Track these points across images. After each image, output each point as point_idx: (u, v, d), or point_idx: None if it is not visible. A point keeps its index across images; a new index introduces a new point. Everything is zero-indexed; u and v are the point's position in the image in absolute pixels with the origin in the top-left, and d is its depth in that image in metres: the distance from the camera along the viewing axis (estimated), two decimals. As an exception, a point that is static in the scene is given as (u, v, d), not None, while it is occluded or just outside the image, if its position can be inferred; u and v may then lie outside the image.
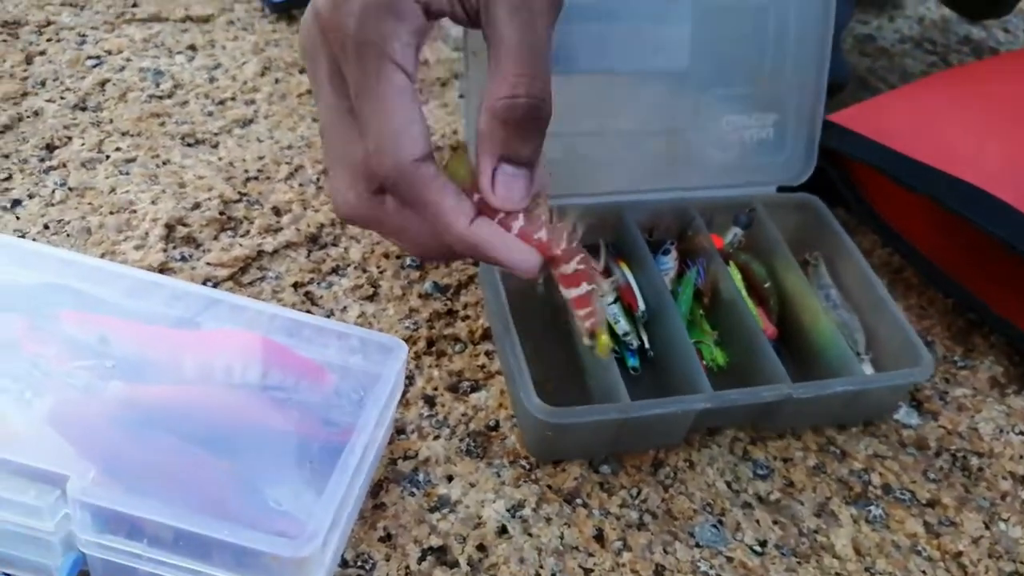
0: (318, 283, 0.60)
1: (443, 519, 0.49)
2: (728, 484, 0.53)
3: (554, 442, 0.51)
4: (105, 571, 0.40)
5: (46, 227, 0.60)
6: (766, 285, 0.60)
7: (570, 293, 0.42)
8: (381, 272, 0.61)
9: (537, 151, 0.39)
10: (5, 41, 0.75)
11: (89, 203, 0.62)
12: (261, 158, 0.68)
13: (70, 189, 0.63)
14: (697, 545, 0.50)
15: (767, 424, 0.55)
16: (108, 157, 0.66)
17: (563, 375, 0.56)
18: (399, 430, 0.52)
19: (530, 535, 0.49)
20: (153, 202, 0.63)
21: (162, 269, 0.58)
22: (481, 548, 0.48)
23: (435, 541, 0.47)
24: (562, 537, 0.49)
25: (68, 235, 0.60)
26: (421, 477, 0.50)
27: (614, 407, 0.49)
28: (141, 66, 0.75)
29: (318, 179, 0.67)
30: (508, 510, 0.49)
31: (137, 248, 0.59)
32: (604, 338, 0.44)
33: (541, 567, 0.47)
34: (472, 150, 0.41)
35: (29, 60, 0.74)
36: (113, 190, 0.63)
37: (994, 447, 0.57)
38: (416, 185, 0.37)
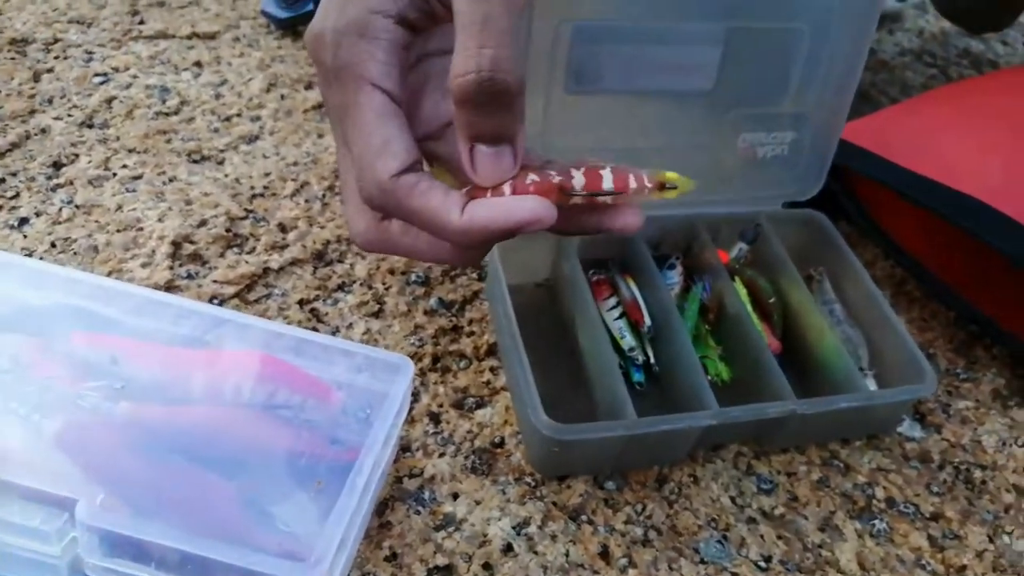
0: (324, 300, 0.60)
1: (449, 537, 0.49)
2: (732, 499, 0.53)
3: (560, 458, 0.51)
4: (112, 594, 0.41)
5: (53, 245, 0.60)
6: (771, 300, 0.60)
7: (605, 196, 0.37)
8: (387, 288, 0.61)
9: (507, 125, 0.36)
10: (13, 59, 0.75)
11: (96, 221, 0.63)
12: (267, 174, 0.68)
13: (77, 207, 0.64)
14: (702, 561, 0.50)
15: (771, 439, 0.55)
16: (115, 174, 0.67)
17: (569, 390, 0.56)
18: (404, 447, 0.53)
19: (536, 553, 0.49)
20: (160, 219, 0.63)
21: (169, 287, 0.59)
22: (487, 567, 0.48)
23: (441, 560, 0.48)
24: (567, 554, 0.49)
25: (75, 253, 0.60)
26: (427, 495, 0.51)
27: (621, 424, 0.49)
28: (147, 83, 0.76)
29: (323, 196, 0.67)
30: (513, 528, 0.50)
31: (144, 266, 0.60)
32: (670, 173, 0.37)
33: (547, 584, 0.47)
34: None
35: (37, 77, 0.74)
36: (120, 207, 0.64)
37: (997, 460, 0.57)
38: (398, 198, 0.36)
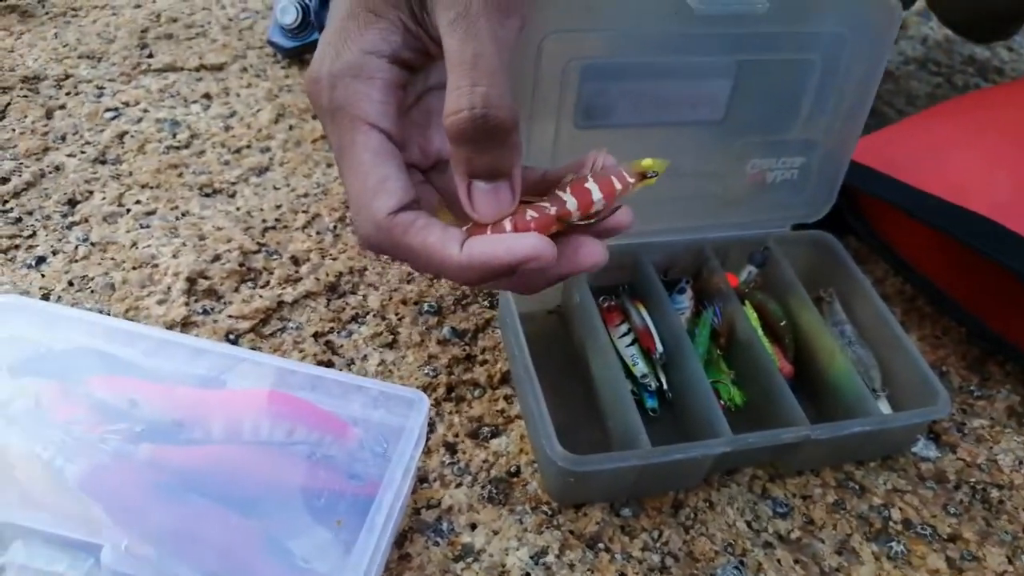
0: (338, 332, 0.60)
1: (468, 568, 0.49)
2: (748, 523, 0.53)
3: (576, 487, 0.51)
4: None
5: (71, 284, 0.61)
6: (782, 323, 0.61)
7: (598, 205, 0.37)
8: (400, 319, 0.62)
9: (503, 160, 0.36)
10: (26, 96, 0.76)
11: (112, 258, 0.63)
12: (278, 207, 0.69)
13: (93, 244, 0.64)
14: (720, 588, 0.50)
15: (786, 463, 0.55)
16: (129, 211, 0.67)
17: (583, 418, 0.57)
18: (422, 479, 0.53)
19: (554, 583, 0.49)
20: (174, 255, 0.64)
21: (185, 323, 0.59)
22: (507, 598, 0.48)
23: (461, 592, 0.48)
24: (586, 584, 0.49)
25: (92, 291, 0.61)
26: (445, 526, 0.51)
27: (635, 454, 0.49)
28: (158, 116, 0.77)
29: (335, 227, 0.68)
30: (531, 557, 0.50)
31: (160, 303, 0.60)
32: (645, 162, 0.38)
33: (566, 615, 0.48)
34: None
35: (49, 115, 0.75)
36: (135, 244, 0.65)
37: (1014, 479, 0.57)
38: (395, 236, 0.36)
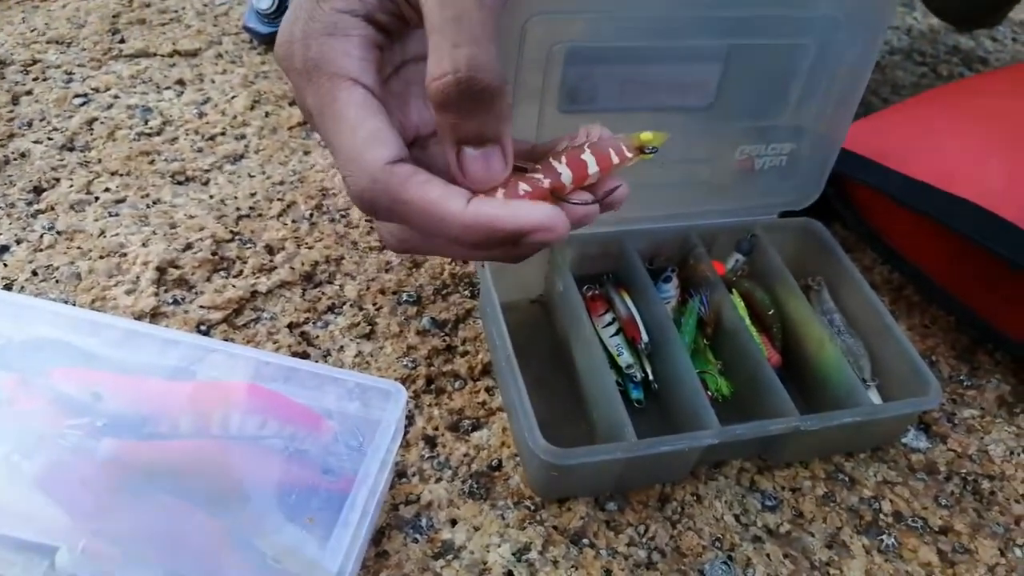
0: (314, 323, 0.59)
1: (448, 566, 0.48)
2: (736, 517, 0.52)
3: (559, 481, 0.50)
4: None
5: (35, 273, 0.59)
6: (770, 312, 0.59)
7: (592, 178, 0.36)
8: (378, 309, 0.60)
9: (491, 125, 0.33)
10: (-10, 82, 0.74)
11: (79, 247, 0.61)
12: (253, 195, 0.67)
13: (59, 233, 0.62)
14: (708, 584, 0.49)
15: (774, 454, 0.54)
16: (97, 199, 0.65)
17: (566, 410, 0.55)
18: (400, 473, 0.51)
19: (537, 580, 0.47)
20: (144, 244, 0.62)
21: (154, 314, 0.57)
22: (488, 596, 0.47)
23: (440, 590, 0.46)
24: (570, 581, 0.48)
25: (57, 281, 0.59)
26: (424, 522, 0.49)
27: (620, 446, 0.48)
28: (129, 103, 0.74)
29: (311, 215, 0.66)
30: (514, 554, 0.48)
31: (128, 293, 0.58)
32: (644, 135, 0.36)
33: (550, 613, 0.46)
34: None
35: (15, 100, 0.73)
36: (103, 233, 0.62)
37: (1005, 469, 0.56)
38: (393, 188, 0.33)
